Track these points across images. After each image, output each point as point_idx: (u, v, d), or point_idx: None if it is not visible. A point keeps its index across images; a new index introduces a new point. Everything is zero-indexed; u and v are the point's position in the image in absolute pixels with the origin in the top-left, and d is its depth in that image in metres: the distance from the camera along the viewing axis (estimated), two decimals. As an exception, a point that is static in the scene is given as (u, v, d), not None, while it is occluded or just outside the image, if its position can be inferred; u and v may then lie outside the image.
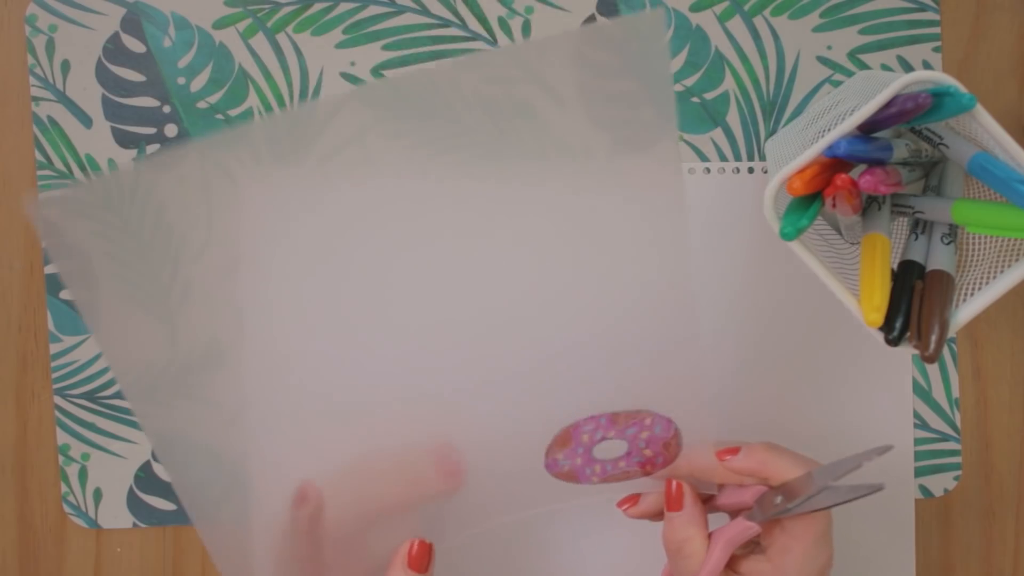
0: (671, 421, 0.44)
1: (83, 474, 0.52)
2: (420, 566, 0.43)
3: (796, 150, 0.42)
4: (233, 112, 0.52)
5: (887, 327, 0.43)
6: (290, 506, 0.45)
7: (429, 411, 0.48)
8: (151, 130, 0.52)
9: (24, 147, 0.52)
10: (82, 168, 0.52)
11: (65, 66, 0.52)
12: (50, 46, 0.52)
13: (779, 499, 0.42)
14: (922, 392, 0.52)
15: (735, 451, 0.43)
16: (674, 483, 0.44)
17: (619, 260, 0.45)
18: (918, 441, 0.52)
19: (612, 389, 0.44)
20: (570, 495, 0.45)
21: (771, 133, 0.52)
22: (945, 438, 0.52)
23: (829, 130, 0.41)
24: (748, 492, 0.43)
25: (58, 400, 0.52)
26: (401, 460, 0.45)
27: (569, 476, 0.45)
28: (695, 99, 0.52)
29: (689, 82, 0.51)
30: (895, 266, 0.46)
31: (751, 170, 0.52)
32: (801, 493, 0.42)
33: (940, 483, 0.52)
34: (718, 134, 0.52)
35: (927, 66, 0.51)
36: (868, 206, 0.47)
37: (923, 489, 0.52)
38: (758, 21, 0.51)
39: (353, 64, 0.52)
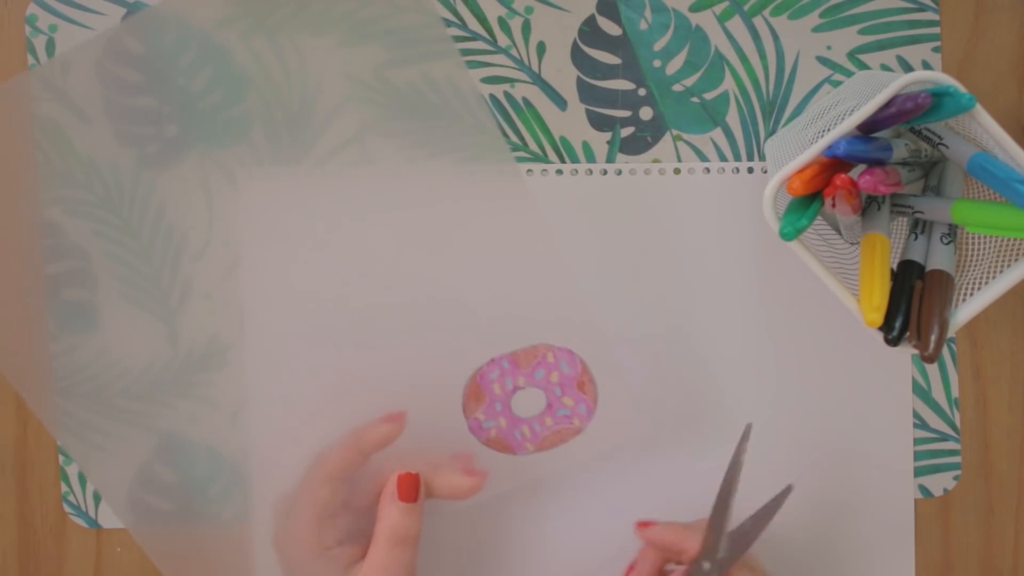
0: (572, 353, 0.45)
1: (83, 474, 0.52)
2: (409, 496, 0.44)
3: (796, 150, 0.42)
4: (233, 112, 0.52)
5: (887, 327, 0.43)
6: (374, 420, 0.46)
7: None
8: (151, 130, 0.52)
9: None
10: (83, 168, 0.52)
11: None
12: (50, 46, 0.52)
13: (707, 565, 0.42)
14: (922, 392, 0.52)
15: (653, 523, 0.45)
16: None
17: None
18: (918, 441, 0.52)
19: (504, 333, 0.47)
20: (518, 473, 0.47)
21: (771, 133, 0.52)
22: (945, 438, 0.52)
23: (829, 130, 0.41)
24: None
25: (58, 400, 0.52)
26: (429, 462, 0.46)
27: (501, 445, 0.46)
28: (695, 99, 0.52)
29: (689, 82, 0.51)
30: (895, 266, 0.46)
31: (751, 170, 0.52)
32: (718, 547, 0.42)
33: (940, 483, 0.52)
34: (718, 134, 0.52)
35: (926, 66, 0.51)
36: (868, 206, 0.47)
37: (922, 489, 0.52)
38: (758, 21, 0.51)
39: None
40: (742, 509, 0.45)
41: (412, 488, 0.44)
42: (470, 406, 0.45)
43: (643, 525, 0.46)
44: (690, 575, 0.43)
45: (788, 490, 0.42)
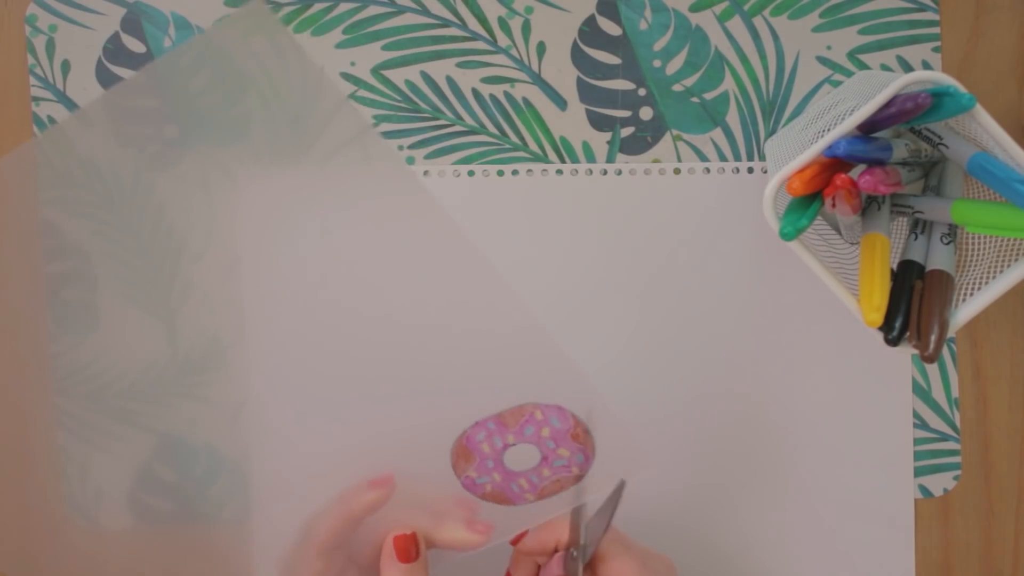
0: (562, 408, 0.44)
1: (83, 471, 0.52)
2: (408, 556, 0.43)
3: (796, 150, 0.42)
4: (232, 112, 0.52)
5: (886, 327, 0.43)
6: (361, 485, 0.45)
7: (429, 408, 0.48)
8: (151, 130, 0.52)
9: (24, 147, 0.52)
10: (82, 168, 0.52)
11: (65, 66, 0.52)
12: (50, 46, 0.52)
13: (573, 552, 0.43)
14: (921, 392, 0.52)
15: (523, 534, 0.45)
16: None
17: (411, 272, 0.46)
18: (918, 441, 0.52)
19: (489, 392, 0.44)
20: (521, 521, 0.45)
21: (771, 133, 0.52)
22: (945, 438, 0.52)
23: (829, 130, 0.41)
24: (554, 565, 0.44)
25: (58, 400, 0.52)
26: (433, 510, 0.45)
27: (498, 497, 0.44)
28: (695, 99, 0.52)
29: (689, 82, 0.51)
30: (895, 266, 0.46)
31: (751, 170, 0.52)
32: (578, 536, 0.43)
33: (940, 483, 0.52)
34: (718, 134, 0.52)
35: (926, 66, 0.51)
36: (868, 206, 0.47)
37: (923, 489, 0.52)
38: (758, 21, 0.51)
39: (353, 64, 0.52)
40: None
41: (410, 549, 0.43)
42: (460, 465, 0.44)
43: (515, 541, 0.45)
44: (564, 560, 0.43)
45: (621, 483, 0.42)
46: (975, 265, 0.45)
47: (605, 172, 0.51)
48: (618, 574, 0.42)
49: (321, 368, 0.50)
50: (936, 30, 0.51)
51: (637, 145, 0.52)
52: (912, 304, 0.43)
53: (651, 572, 0.43)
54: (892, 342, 0.43)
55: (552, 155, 0.52)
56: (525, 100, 0.52)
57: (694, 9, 0.51)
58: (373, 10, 0.52)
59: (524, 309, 0.44)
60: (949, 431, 0.52)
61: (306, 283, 0.50)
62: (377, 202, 0.48)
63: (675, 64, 0.51)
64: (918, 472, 0.52)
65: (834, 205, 0.41)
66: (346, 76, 0.52)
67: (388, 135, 0.52)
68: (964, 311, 0.43)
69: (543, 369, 0.44)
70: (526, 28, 0.51)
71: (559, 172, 0.51)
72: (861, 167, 0.43)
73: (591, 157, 0.52)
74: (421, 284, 0.47)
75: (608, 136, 0.52)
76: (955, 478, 0.52)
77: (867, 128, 0.41)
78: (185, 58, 0.48)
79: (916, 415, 0.52)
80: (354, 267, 0.50)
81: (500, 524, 0.44)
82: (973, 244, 0.46)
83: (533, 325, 0.44)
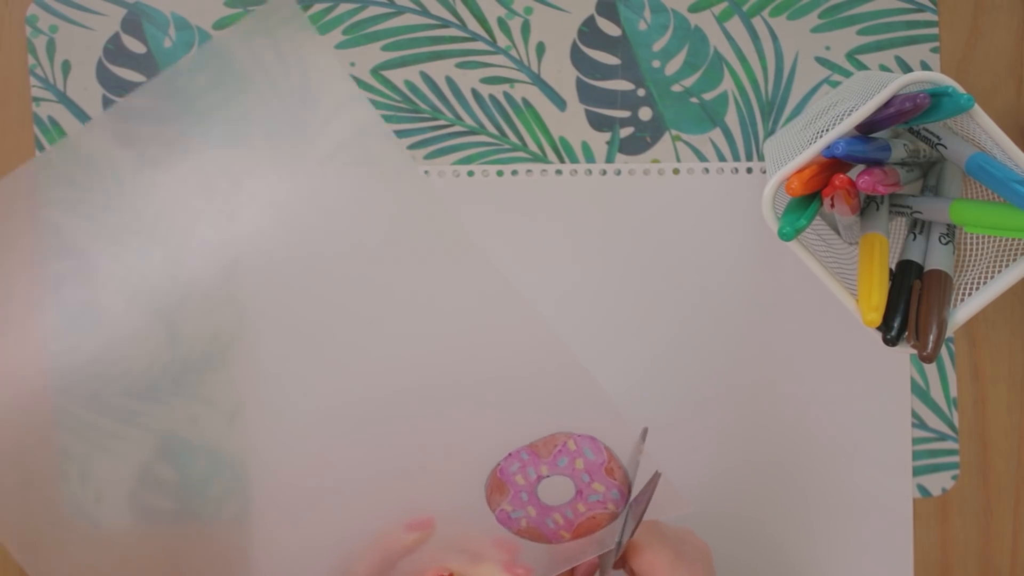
0: (595, 440, 0.43)
1: (83, 471, 0.52)
2: None
3: (794, 150, 0.43)
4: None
5: (885, 327, 0.43)
6: (398, 528, 0.44)
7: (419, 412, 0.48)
8: (151, 130, 0.52)
9: (24, 147, 0.52)
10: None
11: (66, 66, 0.52)
12: (51, 47, 0.52)
13: (614, 544, 0.43)
14: (920, 391, 0.52)
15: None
16: None
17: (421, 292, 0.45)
18: (916, 440, 0.52)
19: (521, 422, 0.44)
20: (557, 561, 0.44)
21: (769, 133, 0.52)
22: (943, 437, 0.52)
23: (827, 130, 0.41)
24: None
25: (58, 400, 0.52)
26: (470, 551, 0.44)
27: (534, 534, 0.44)
28: (694, 99, 0.52)
29: (688, 82, 0.52)
30: (893, 266, 0.46)
31: (750, 170, 0.52)
32: (623, 530, 0.42)
33: (938, 482, 0.52)
34: (717, 134, 0.52)
35: (925, 67, 0.51)
36: (866, 206, 0.47)
37: (921, 488, 0.52)
38: (757, 22, 0.51)
39: (353, 64, 0.52)
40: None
41: None
42: (495, 499, 0.43)
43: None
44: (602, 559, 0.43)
45: (657, 477, 0.42)
46: (973, 265, 0.45)
47: (604, 172, 0.52)
48: (650, 566, 0.42)
49: (321, 368, 0.50)
50: (935, 31, 0.51)
51: (636, 145, 0.52)
52: (911, 304, 0.43)
53: (685, 562, 0.42)
54: (891, 342, 0.43)
55: (551, 155, 0.52)
56: (524, 100, 0.52)
57: (693, 10, 0.51)
58: (373, 11, 0.52)
59: (553, 337, 0.44)
60: (947, 431, 0.52)
61: (306, 282, 0.50)
62: (392, 211, 0.48)
63: (674, 64, 0.52)
64: (916, 472, 0.52)
65: (833, 205, 0.41)
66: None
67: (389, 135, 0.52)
68: (962, 311, 0.43)
69: (575, 399, 0.44)
70: (525, 28, 0.51)
71: (558, 172, 0.52)
72: (860, 167, 0.43)
73: (590, 157, 0.52)
74: (428, 292, 0.46)
75: (607, 136, 0.52)
76: (953, 477, 0.52)
77: (866, 128, 0.41)
78: (203, 60, 0.48)
79: (915, 415, 0.52)
80: (361, 273, 0.50)
81: (538, 567, 0.43)
82: (971, 244, 0.46)
83: (564, 352, 0.44)
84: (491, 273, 0.44)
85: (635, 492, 0.43)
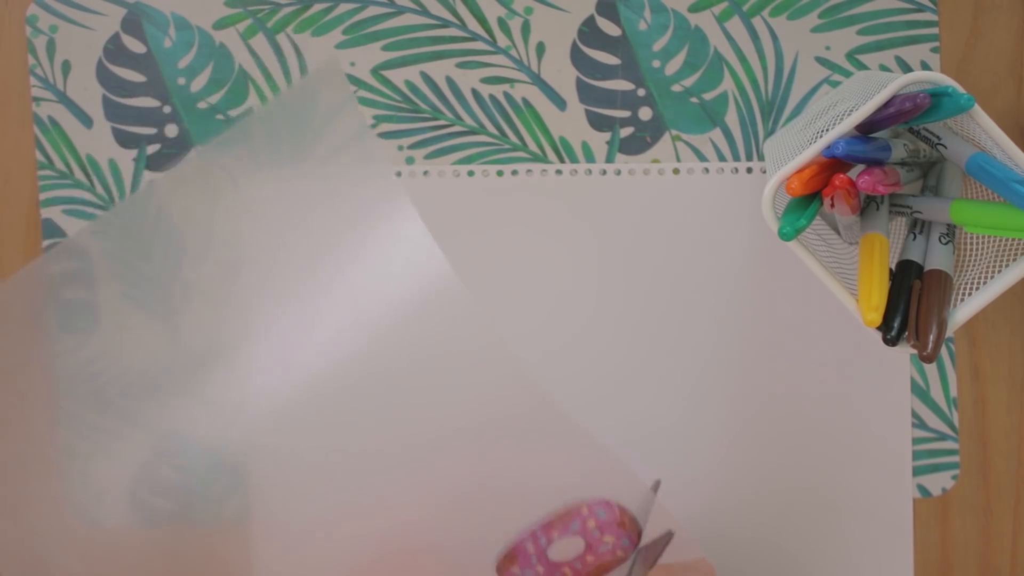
0: (609, 502, 0.43)
1: (84, 471, 0.52)
2: None
3: (794, 150, 0.43)
4: (233, 112, 0.52)
5: (885, 327, 0.43)
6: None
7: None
8: (151, 130, 0.52)
9: (24, 147, 0.52)
10: (83, 168, 0.52)
11: (66, 66, 0.52)
12: (51, 46, 0.52)
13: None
14: (920, 391, 0.52)
15: None
16: None
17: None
18: (916, 440, 0.52)
19: (525, 500, 0.43)
20: None
21: (769, 133, 0.52)
22: (943, 437, 0.52)
23: (827, 130, 0.41)
24: None
25: (59, 400, 0.52)
26: None
27: None
28: (694, 99, 0.52)
29: (688, 82, 0.52)
30: (893, 266, 0.46)
31: (749, 170, 0.52)
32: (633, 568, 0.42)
33: (938, 482, 0.52)
34: (716, 134, 0.52)
35: (925, 66, 0.51)
36: (866, 206, 0.47)
37: (921, 488, 0.52)
38: (756, 22, 0.51)
39: (353, 64, 0.52)
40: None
41: None
42: (504, 565, 0.43)
43: None
44: None
45: (669, 535, 0.41)
46: (973, 265, 0.45)
47: (604, 172, 0.52)
48: None
49: (321, 368, 0.50)
50: (935, 30, 0.51)
51: (636, 145, 0.52)
52: (911, 304, 0.43)
53: None
54: (891, 342, 0.43)
55: (551, 155, 0.52)
56: (524, 100, 0.52)
57: (693, 9, 0.51)
58: (373, 10, 0.52)
59: (561, 411, 0.43)
60: (947, 431, 0.52)
61: (306, 282, 0.50)
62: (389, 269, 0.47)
63: (674, 64, 0.52)
64: (916, 472, 0.52)
65: (833, 205, 0.41)
66: (346, 77, 0.52)
67: (388, 135, 0.52)
68: (963, 311, 0.43)
69: (587, 468, 0.43)
70: (525, 28, 0.51)
71: (558, 172, 0.52)
72: (860, 167, 0.43)
73: (590, 157, 0.52)
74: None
75: (607, 136, 0.52)
76: (953, 477, 0.52)
77: (866, 128, 0.41)
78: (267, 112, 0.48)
79: (915, 415, 0.52)
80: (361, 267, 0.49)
81: None
82: (972, 244, 0.46)
83: (569, 423, 0.43)
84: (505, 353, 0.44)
85: (645, 539, 0.42)
